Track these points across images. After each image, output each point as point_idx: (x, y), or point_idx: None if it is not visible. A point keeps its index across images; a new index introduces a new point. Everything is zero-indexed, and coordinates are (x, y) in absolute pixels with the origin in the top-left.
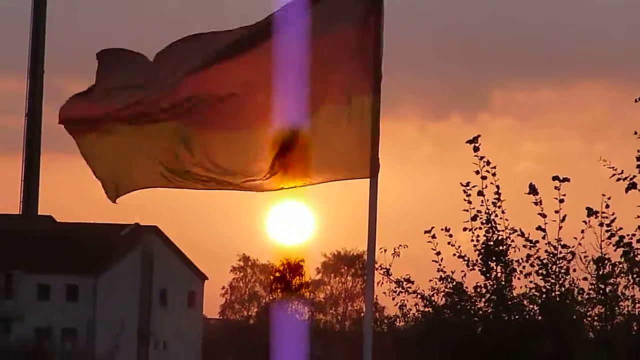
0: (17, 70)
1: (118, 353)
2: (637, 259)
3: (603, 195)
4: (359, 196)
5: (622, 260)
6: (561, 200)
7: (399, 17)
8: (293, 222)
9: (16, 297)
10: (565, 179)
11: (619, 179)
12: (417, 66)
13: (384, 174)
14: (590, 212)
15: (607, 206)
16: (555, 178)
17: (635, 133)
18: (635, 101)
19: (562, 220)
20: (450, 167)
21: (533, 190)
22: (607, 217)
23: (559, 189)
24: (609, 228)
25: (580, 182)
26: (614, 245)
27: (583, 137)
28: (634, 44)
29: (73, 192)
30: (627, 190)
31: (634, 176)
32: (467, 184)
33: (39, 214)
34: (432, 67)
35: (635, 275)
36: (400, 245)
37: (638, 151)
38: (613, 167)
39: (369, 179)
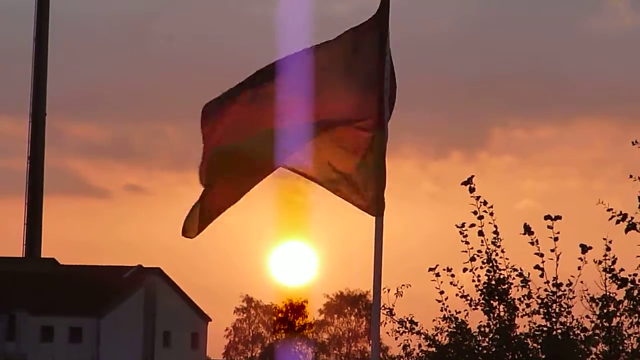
0: (19, 113)
1: None
2: (636, 296)
3: (604, 239)
4: (361, 237)
5: (625, 299)
6: (555, 239)
7: (399, 57)
8: (295, 263)
9: (19, 339)
10: (557, 217)
11: (618, 222)
12: (417, 105)
13: (386, 212)
14: (585, 249)
15: (609, 249)
16: (547, 217)
17: (631, 176)
18: (633, 144)
19: (558, 258)
20: (451, 206)
21: (528, 230)
22: (609, 260)
23: (552, 228)
24: (611, 269)
25: (580, 219)
26: (617, 284)
27: (583, 174)
28: (633, 82)
29: (76, 234)
30: (626, 231)
31: (632, 217)
32: (462, 225)
33: (42, 256)
34: (432, 106)
35: (638, 315)
36: (403, 285)
37: None
38: (611, 209)
39: (374, 218)
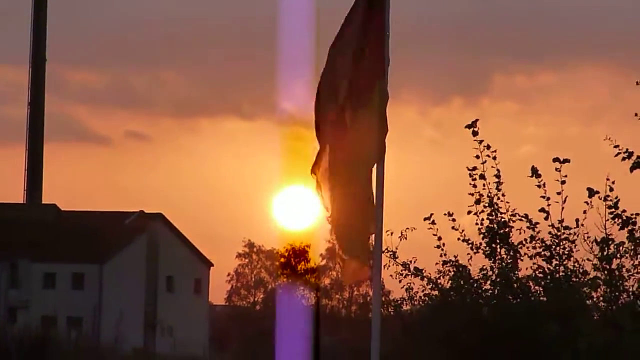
0: (19, 59)
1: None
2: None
3: (607, 179)
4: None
5: (627, 240)
6: (562, 182)
7: (399, 1)
8: (298, 207)
9: (22, 286)
10: (566, 160)
11: (624, 158)
12: (417, 50)
13: (387, 158)
14: (592, 193)
15: (612, 189)
16: (555, 160)
17: (636, 114)
18: (637, 84)
19: (564, 201)
20: (452, 151)
21: (535, 172)
22: (611, 200)
23: (559, 171)
24: (613, 210)
25: (583, 164)
26: (618, 225)
27: (584, 119)
28: (635, 27)
29: (77, 181)
30: (632, 169)
31: (639, 156)
32: (474, 169)
33: (43, 202)
34: (432, 51)
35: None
36: (407, 228)
37: None
38: (617, 146)
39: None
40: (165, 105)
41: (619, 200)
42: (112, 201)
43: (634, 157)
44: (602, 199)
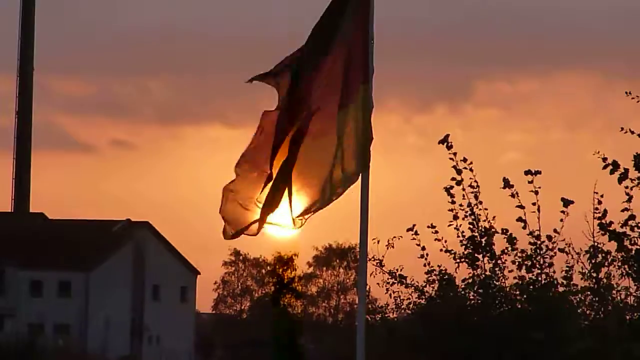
0: (7, 69)
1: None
2: (629, 247)
3: (595, 192)
4: (350, 189)
5: (616, 251)
6: (536, 192)
7: (382, 8)
8: (284, 214)
9: (9, 294)
10: (537, 172)
11: (612, 171)
12: (400, 58)
13: (374, 165)
14: (566, 203)
15: (600, 202)
16: (527, 172)
17: (622, 129)
18: (626, 94)
19: (539, 211)
20: (437, 159)
21: (507, 184)
22: (599, 212)
23: (532, 182)
24: (602, 221)
25: (565, 172)
26: (606, 235)
27: (567, 127)
28: (618, 34)
29: (65, 190)
30: (619, 181)
31: (626, 168)
32: (451, 187)
33: (30, 211)
34: (415, 58)
35: (628, 267)
36: (394, 237)
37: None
38: (606, 159)
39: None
40: (150, 113)
41: (606, 212)
42: (99, 209)
43: (620, 169)
44: (597, 217)
